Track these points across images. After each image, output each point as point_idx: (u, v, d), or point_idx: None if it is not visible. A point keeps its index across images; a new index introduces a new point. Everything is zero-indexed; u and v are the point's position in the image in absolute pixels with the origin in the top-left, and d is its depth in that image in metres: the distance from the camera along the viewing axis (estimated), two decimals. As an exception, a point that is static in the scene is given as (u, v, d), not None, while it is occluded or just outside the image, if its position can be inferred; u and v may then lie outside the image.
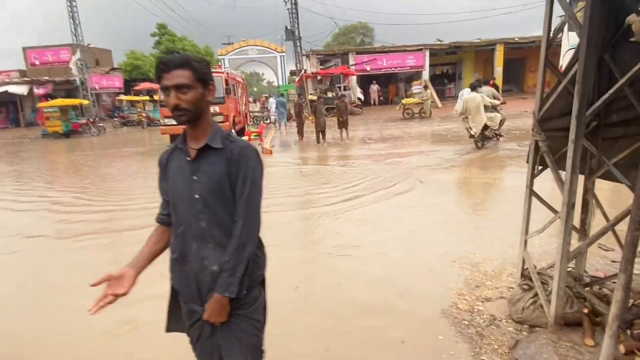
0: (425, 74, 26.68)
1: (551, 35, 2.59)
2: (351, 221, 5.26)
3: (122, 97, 30.17)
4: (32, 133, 24.58)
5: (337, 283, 3.59)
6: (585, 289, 2.74)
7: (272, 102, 21.33)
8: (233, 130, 13.79)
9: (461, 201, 6.20)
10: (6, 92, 27.20)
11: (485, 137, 10.30)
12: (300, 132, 14.69)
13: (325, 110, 23.73)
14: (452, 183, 7.05)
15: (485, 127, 10.09)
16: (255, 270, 1.59)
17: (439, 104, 24.27)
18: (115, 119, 27.63)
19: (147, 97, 28.98)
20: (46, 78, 28.56)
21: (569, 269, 2.68)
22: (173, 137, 13.31)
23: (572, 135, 2.28)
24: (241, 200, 1.50)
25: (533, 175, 2.80)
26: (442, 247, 4.26)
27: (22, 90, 27.50)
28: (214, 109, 12.75)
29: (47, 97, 26.43)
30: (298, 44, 28.39)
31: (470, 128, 9.91)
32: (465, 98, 10.27)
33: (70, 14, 25.21)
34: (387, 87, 29.53)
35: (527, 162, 2.82)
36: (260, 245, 1.63)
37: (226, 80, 13.26)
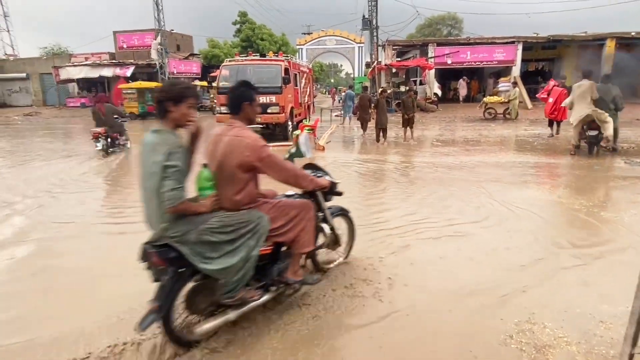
0: (516, 70, 24.01)
1: None
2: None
3: (197, 82, 31.21)
4: (114, 113, 26.26)
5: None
6: None
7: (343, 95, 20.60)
8: (290, 123, 13.15)
9: (539, 239, 4.80)
10: (99, 75, 29.49)
11: (593, 146, 8.69)
12: (364, 127, 13.70)
13: (396, 106, 22.61)
14: (533, 207, 5.57)
15: (598, 135, 8.57)
16: None
17: (529, 105, 21.63)
18: (188, 104, 28.62)
19: (204, 83, 29.59)
20: (131, 61, 30.42)
21: None
22: (229, 126, 13.01)
23: None
24: None
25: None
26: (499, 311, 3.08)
27: (110, 72, 29.61)
28: (269, 98, 12.22)
29: (127, 79, 28.11)
30: (375, 34, 27.07)
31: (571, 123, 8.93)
32: (574, 85, 8.89)
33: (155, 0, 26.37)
34: (470, 83, 27.14)
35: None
36: None
37: (286, 69, 12.61)
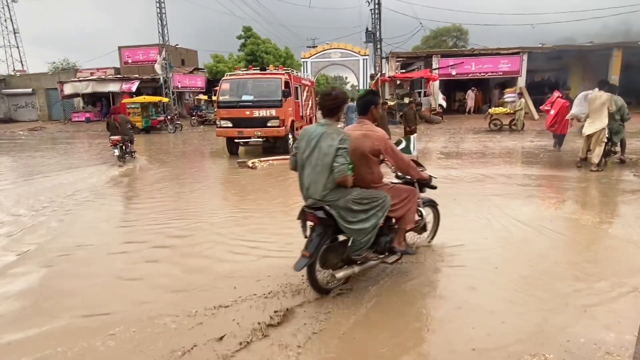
0: (522, 81, 23.86)
1: None
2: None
3: (201, 96, 31.44)
4: (118, 127, 26.41)
5: None
6: None
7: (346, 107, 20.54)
8: (291, 135, 13.06)
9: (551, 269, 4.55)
10: (108, 92, 29.86)
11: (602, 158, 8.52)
12: None
13: (400, 118, 22.47)
14: (539, 222, 5.34)
15: (605, 147, 8.50)
16: None
17: (535, 116, 21.39)
18: (193, 118, 28.78)
19: (205, 97, 29.74)
20: (136, 76, 30.76)
21: None
22: (230, 140, 12.96)
23: None
24: None
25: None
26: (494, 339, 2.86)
27: (117, 87, 29.94)
28: (269, 111, 12.17)
29: (130, 94, 28.36)
30: (379, 47, 27.15)
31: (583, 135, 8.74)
32: (591, 96, 8.62)
33: (159, 15, 26.71)
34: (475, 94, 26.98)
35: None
36: None
37: (286, 82, 12.56)
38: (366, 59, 38.12)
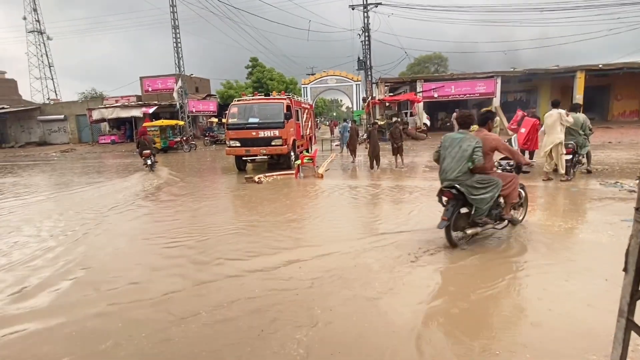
0: (497, 101, 23.95)
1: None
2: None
3: (213, 119, 31.55)
4: (140, 148, 26.41)
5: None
6: None
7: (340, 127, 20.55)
8: (292, 153, 13.04)
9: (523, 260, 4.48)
10: (131, 116, 29.98)
11: (570, 169, 8.41)
12: (353, 153, 14.47)
13: (389, 136, 22.51)
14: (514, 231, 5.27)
15: (572, 159, 8.43)
16: None
17: (510, 132, 21.39)
18: (206, 138, 28.83)
19: (216, 120, 29.79)
20: (155, 102, 30.89)
21: None
22: (238, 158, 12.92)
23: None
24: None
25: (635, 296, 1.32)
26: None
27: (138, 112, 30.06)
28: (273, 132, 12.16)
29: (151, 117, 28.45)
30: (369, 73, 27.33)
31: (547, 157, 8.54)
32: (546, 115, 8.52)
33: (175, 48, 26.95)
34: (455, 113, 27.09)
35: (626, 267, 1.34)
36: None
37: (287, 106, 12.59)
38: (359, 84, 38.41)
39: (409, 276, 3.86)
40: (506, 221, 4.84)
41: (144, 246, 5.29)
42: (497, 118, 17.47)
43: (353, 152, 14.47)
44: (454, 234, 4.56)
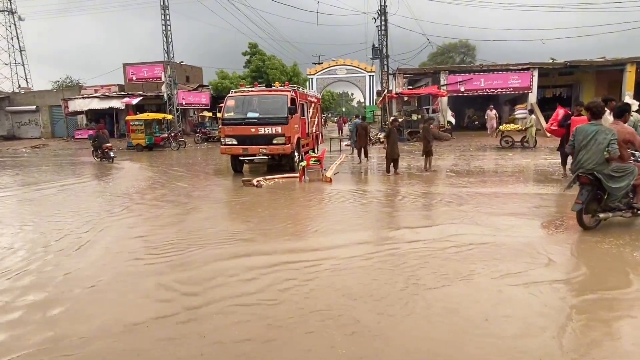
0: (532, 97, 23.85)
1: None
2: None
3: (205, 113, 31.72)
4: (122, 144, 26.62)
5: None
6: None
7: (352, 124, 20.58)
8: (296, 154, 13.03)
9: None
10: (109, 107, 30.22)
11: None
12: (359, 154, 15.04)
13: (408, 135, 22.49)
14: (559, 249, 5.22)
15: None
16: None
17: (547, 134, 21.26)
18: (197, 135, 28.97)
19: (209, 114, 29.88)
20: (140, 93, 31.13)
21: None
22: (235, 158, 12.94)
23: None
24: None
25: None
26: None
27: (119, 104, 30.30)
28: (275, 129, 12.16)
29: (134, 110, 28.66)
30: (385, 63, 27.38)
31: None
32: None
33: (164, 32, 27.19)
34: (484, 110, 26.96)
35: None
36: None
37: (292, 99, 12.59)
38: (372, 76, 38.52)
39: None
40: (633, 210, 5.71)
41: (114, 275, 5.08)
42: (533, 116, 17.35)
43: (361, 152, 14.83)
44: (584, 217, 5.53)
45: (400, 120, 23.19)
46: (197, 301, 3.87)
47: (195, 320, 3.49)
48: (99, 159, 17.88)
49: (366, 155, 15.16)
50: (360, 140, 15.09)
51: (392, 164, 11.64)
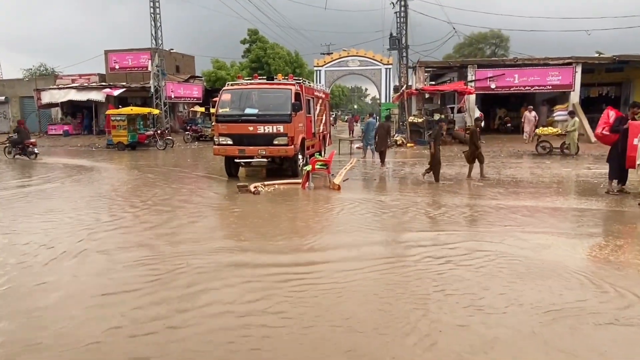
0: (575, 96, 23.71)
1: None
2: None
3: (197, 108, 31.88)
4: (101, 142, 26.79)
5: None
6: None
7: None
8: (300, 156, 13.02)
9: None
10: (88, 99, 30.46)
11: None
12: (382, 159, 15.29)
13: (429, 137, 22.41)
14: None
15: None
16: None
17: (592, 138, 21.11)
18: (187, 132, 29.11)
19: (201, 109, 29.96)
20: (122, 83, 31.38)
21: None
22: (229, 160, 12.94)
23: None
24: None
25: None
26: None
27: (101, 96, 30.51)
28: (276, 127, 12.16)
29: (116, 103, 28.86)
30: (404, 55, 27.38)
31: None
32: None
33: (152, 16, 27.43)
34: (518, 111, 26.87)
35: None
36: None
37: (296, 94, 12.60)
38: (389, 69, 38.43)
39: None
40: None
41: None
42: (575, 119, 17.21)
43: (382, 156, 15.07)
44: None
45: (420, 120, 23.24)
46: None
47: None
48: (14, 156, 19.19)
49: (382, 160, 15.29)
50: (382, 143, 15.14)
51: (433, 170, 11.62)
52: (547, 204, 8.87)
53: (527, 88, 24.46)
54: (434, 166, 11.66)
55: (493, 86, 24.50)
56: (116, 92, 30.20)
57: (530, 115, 22.02)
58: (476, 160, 12.13)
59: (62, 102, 31.54)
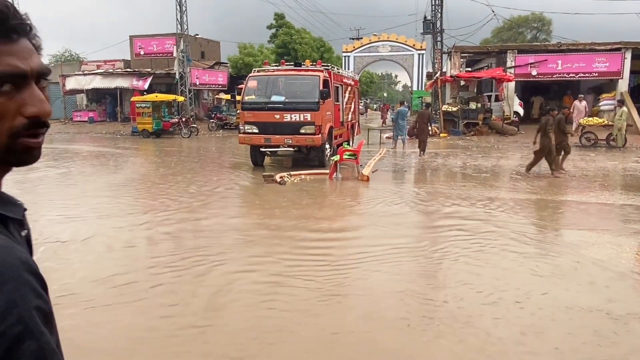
0: (623, 84, 22.94)
1: None
2: None
3: (222, 95, 32.14)
4: (126, 129, 27.38)
5: None
6: None
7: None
8: (328, 146, 13.01)
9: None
10: (115, 87, 31.16)
11: None
12: (421, 147, 15.27)
13: (464, 127, 22.12)
14: None
15: None
16: None
17: (643, 132, 20.43)
18: (211, 120, 29.41)
19: (227, 96, 30.23)
20: (148, 70, 31.89)
21: None
22: (255, 149, 13.03)
23: None
24: None
25: None
26: None
27: (126, 83, 31.11)
28: (303, 116, 12.16)
29: (141, 92, 29.34)
30: (439, 39, 26.92)
31: None
32: None
33: (178, 0, 27.70)
34: (562, 100, 26.15)
35: None
36: None
37: (325, 81, 12.56)
38: (422, 54, 37.89)
39: None
40: None
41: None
42: (624, 108, 16.63)
43: (422, 144, 15.23)
44: None
45: (454, 109, 22.89)
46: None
47: None
48: None
49: (423, 150, 15.33)
50: (422, 133, 15.15)
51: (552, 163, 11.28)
52: (592, 198, 8.64)
53: (571, 75, 23.83)
54: (547, 156, 11.15)
55: (534, 73, 23.93)
56: (146, 85, 30.60)
57: (580, 105, 20.69)
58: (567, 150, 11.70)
59: (87, 89, 32.29)
